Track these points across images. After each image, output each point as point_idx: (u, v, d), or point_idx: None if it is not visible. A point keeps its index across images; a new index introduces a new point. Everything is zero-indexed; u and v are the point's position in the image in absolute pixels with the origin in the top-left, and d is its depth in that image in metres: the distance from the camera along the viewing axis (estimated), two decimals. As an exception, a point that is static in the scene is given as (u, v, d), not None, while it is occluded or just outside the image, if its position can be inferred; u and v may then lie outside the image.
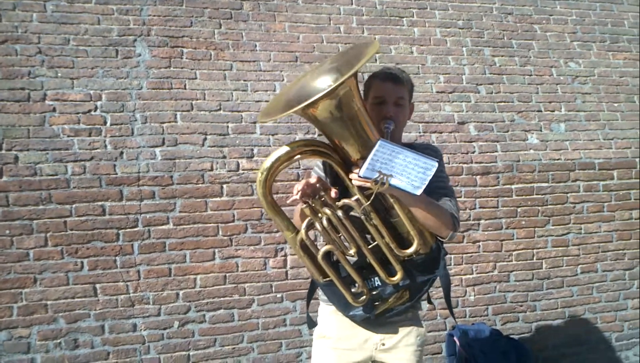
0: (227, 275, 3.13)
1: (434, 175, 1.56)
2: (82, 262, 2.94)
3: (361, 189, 1.58)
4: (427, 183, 1.53)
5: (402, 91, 1.78)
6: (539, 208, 3.62)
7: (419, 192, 1.54)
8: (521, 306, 3.55)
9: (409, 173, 1.52)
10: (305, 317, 2.03)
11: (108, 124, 3.03)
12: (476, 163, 3.54)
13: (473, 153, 3.54)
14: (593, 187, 3.72)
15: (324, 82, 1.61)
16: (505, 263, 3.55)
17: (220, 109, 3.19)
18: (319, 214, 1.60)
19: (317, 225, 1.60)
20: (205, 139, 3.15)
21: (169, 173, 3.07)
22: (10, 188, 2.87)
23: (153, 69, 3.13)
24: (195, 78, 3.19)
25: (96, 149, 2.99)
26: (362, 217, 1.59)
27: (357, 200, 1.59)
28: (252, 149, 3.20)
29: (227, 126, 3.20)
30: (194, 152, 3.12)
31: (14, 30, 2.98)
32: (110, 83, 3.06)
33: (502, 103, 3.66)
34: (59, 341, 2.90)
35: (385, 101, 1.74)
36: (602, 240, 3.72)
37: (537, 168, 3.63)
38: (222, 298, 3.12)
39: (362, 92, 1.77)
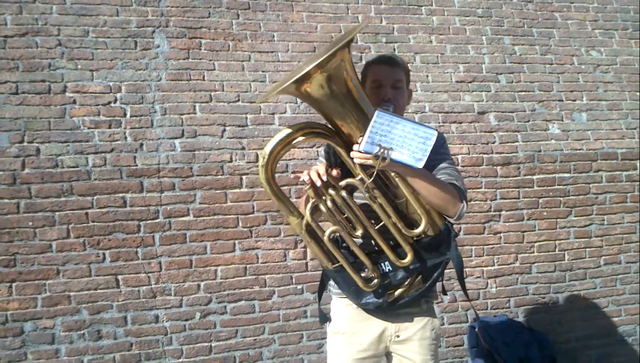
0: (248, 266, 3.13)
1: (436, 154, 1.55)
2: (104, 254, 2.95)
3: (363, 167, 1.56)
4: (428, 153, 1.52)
5: (398, 73, 1.79)
6: (561, 198, 3.57)
7: (420, 164, 1.53)
8: (543, 298, 3.51)
9: (409, 144, 1.51)
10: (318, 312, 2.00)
11: (128, 115, 3.04)
12: (497, 153, 3.50)
13: (493, 143, 3.50)
14: (616, 177, 3.66)
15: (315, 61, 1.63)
16: (526, 254, 3.50)
17: (238, 100, 3.19)
18: (323, 196, 1.58)
19: (322, 207, 1.58)
20: (224, 130, 3.15)
21: (189, 165, 3.07)
22: (32, 180, 2.89)
23: (172, 61, 3.13)
24: (214, 69, 3.19)
25: (116, 141, 3.00)
26: (367, 196, 1.58)
27: (361, 179, 1.57)
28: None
29: (246, 118, 3.19)
30: (213, 143, 3.12)
31: (34, 22, 2.99)
32: (129, 75, 3.07)
33: (523, 93, 3.61)
34: (82, 332, 2.92)
35: (382, 84, 1.75)
36: (625, 231, 3.66)
37: (559, 158, 3.58)
38: (242, 290, 3.12)
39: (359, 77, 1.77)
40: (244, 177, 3.13)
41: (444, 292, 1.99)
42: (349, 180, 1.58)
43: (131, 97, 3.05)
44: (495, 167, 3.49)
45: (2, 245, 2.84)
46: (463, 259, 3.30)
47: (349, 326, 1.85)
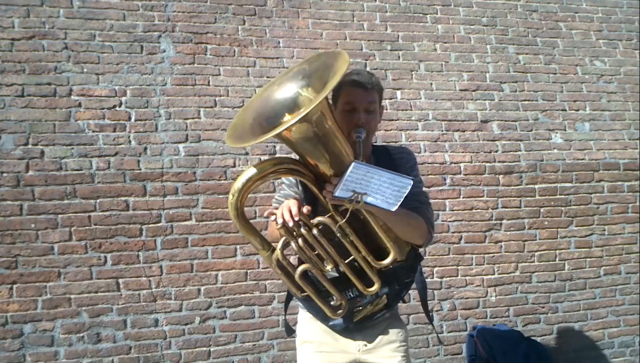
0: (249, 271, 3.14)
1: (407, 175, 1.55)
2: (105, 257, 2.96)
3: (335, 206, 1.56)
4: (401, 200, 1.52)
5: (372, 96, 1.74)
6: (562, 208, 3.57)
7: (394, 208, 1.53)
8: (543, 307, 3.51)
9: (384, 192, 1.51)
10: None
11: (132, 119, 3.05)
12: (499, 162, 3.50)
13: (496, 151, 3.51)
14: (617, 188, 3.66)
15: (294, 96, 1.59)
16: (527, 263, 3.51)
17: (243, 106, 3.18)
18: (294, 234, 1.57)
19: (293, 244, 1.57)
20: (228, 135, 3.15)
21: (192, 169, 3.08)
22: (36, 182, 2.90)
23: (177, 65, 3.14)
24: (219, 75, 3.20)
25: (120, 144, 3.01)
26: (338, 234, 1.58)
27: (332, 217, 1.57)
28: (275, 146, 3.19)
29: (250, 123, 3.19)
30: (216, 148, 3.13)
31: (41, 26, 3.00)
32: (135, 79, 3.08)
33: (526, 102, 3.62)
34: (82, 335, 2.92)
35: (355, 108, 1.70)
36: (626, 242, 3.66)
37: (561, 167, 3.58)
38: (243, 295, 3.12)
39: (330, 99, 1.73)
40: (246, 182, 3.13)
41: (403, 300, 1.97)
42: (321, 219, 1.57)
43: (136, 101, 3.06)
44: (497, 176, 3.50)
45: (4, 246, 2.85)
46: (462, 268, 3.36)
47: (317, 336, 1.86)
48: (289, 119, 1.51)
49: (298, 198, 1.73)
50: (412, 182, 1.50)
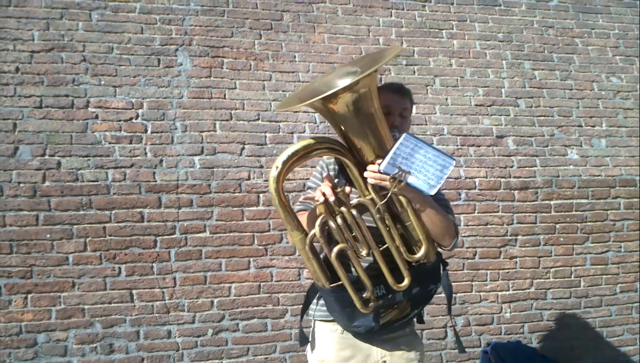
0: (262, 284, 3.13)
1: None
2: (119, 268, 2.97)
3: (375, 188, 1.59)
4: (442, 181, 1.57)
5: (405, 102, 1.85)
6: (578, 224, 3.54)
7: (433, 191, 1.58)
8: (558, 324, 3.47)
9: (427, 170, 1.56)
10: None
11: (149, 132, 3.07)
12: (514, 177, 3.48)
13: (511, 167, 3.49)
14: (634, 204, 3.63)
15: (345, 79, 1.63)
16: (542, 280, 3.48)
17: (258, 119, 3.21)
18: (333, 214, 1.58)
19: (331, 223, 1.58)
20: (243, 148, 3.17)
21: (207, 182, 3.09)
22: (52, 193, 2.92)
23: (194, 79, 3.17)
24: (235, 88, 3.22)
25: (136, 156, 3.03)
26: (376, 217, 1.59)
27: (372, 199, 1.59)
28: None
29: (265, 136, 3.21)
30: (232, 161, 3.14)
31: (60, 38, 3.04)
32: (151, 92, 3.10)
33: (542, 117, 3.60)
34: (95, 345, 2.93)
35: (391, 111, 1.78)
36: (642, 259, 3.62)
37: (577, 183, 3.55)
38: (255, 308, 3.12)
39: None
40: (261, 195, 3.15)
41: (420, 320, 1.99)
42: (361, 199, 1.60)
43: (152, 114, 3.09)
44: (512, 191, 3.48)
45: (20, 256, 2.87)
46: (476, 283, 3.33)
47: (335, 353, 1.83)
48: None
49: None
50: (454, 162, 1.57)
